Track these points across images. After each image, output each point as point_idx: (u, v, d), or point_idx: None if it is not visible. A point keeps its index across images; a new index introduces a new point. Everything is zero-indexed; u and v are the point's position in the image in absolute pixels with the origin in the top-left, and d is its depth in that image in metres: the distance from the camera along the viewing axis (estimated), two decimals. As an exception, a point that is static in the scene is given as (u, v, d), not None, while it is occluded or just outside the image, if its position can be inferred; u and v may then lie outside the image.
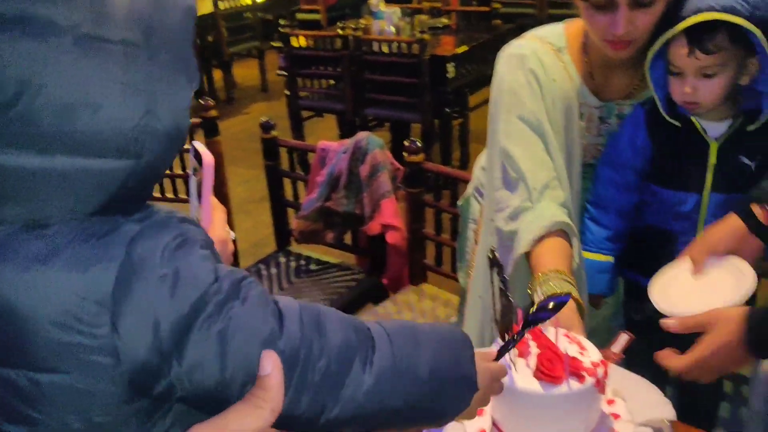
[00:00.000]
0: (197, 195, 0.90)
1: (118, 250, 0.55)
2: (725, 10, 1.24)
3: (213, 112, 2.67)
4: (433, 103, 4.18)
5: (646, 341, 1.67)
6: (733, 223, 1.26)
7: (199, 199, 0.90)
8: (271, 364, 0.56)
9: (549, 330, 1.08)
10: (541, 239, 1.32)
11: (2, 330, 0.54)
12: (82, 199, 0.55)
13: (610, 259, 1.53)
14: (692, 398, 1.75)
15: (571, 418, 1.01)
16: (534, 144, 1.43)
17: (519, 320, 1.09)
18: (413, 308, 2.41)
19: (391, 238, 2.51)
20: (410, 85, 4.13)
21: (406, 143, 2.36)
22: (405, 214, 2.50)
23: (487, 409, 1.11)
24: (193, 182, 0.92)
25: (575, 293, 1.21)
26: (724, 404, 1.99)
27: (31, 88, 0.50)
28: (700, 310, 1.15)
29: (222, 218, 0.97)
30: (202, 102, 2.69)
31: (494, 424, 1.07)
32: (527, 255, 1.35)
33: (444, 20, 5.15)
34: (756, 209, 1.25)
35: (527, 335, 1.07)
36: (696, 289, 1.26)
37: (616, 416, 1.09)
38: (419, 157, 2.36)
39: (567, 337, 1.09)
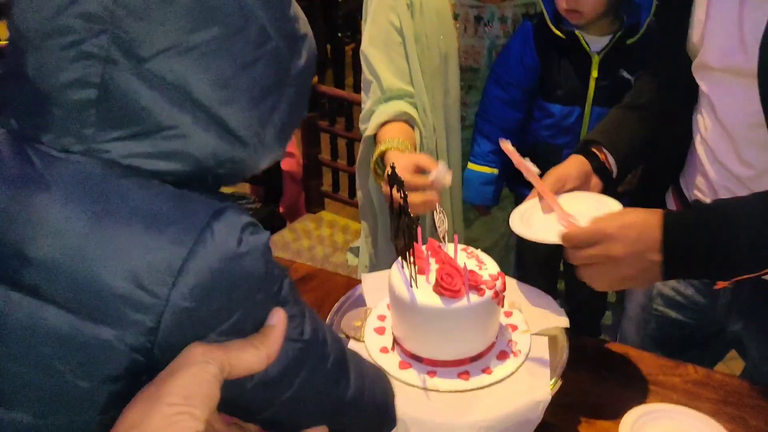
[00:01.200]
0: None
1: (201, 217, 0.57)
2: None
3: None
4: (325, 29, 4.06)
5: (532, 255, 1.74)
6: (577, 161, 1.25)
7: None
8: (276, 319, 0.61)
9: (448, 246, 1.08)
10: (386, 123, 1.43)
11: (69, 270, 0.54)
12: (177, 159, 0.59)
13: (494, 171, 1.57)
14: (578, 307, 1.85)
15: (472, 330, 1.02)
16: (394, 50, 1.46)
17: (419, 238, 1.08)
18: (311, 236, 2.37)
19: (286, 165, 2.45)
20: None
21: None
22: (300, 141, 2.44)
23: (388, 327, 1.11)
24: None
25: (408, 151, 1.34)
26: (607, 313, 2.11)
27: (175, 49, 0.57)
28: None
29: None
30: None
31: (395, 341, 1.07)
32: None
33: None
34: (596, 150, 1.26)
35: (426, 251, 1.06)
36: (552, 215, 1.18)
37: (514, 327, 1.12)
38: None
39: (465, 251, 1.09)
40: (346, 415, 0.75)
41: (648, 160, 1.34)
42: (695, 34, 1.13)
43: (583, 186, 1.23)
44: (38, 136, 0.58)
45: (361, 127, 1.53)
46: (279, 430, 0.70)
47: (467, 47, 1.53)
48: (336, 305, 1.17)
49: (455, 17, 1.50)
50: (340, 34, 4.21)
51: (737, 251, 0.95)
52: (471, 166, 1.59)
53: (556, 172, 1.22)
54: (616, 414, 1.09)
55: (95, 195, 0.56)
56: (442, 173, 1.17)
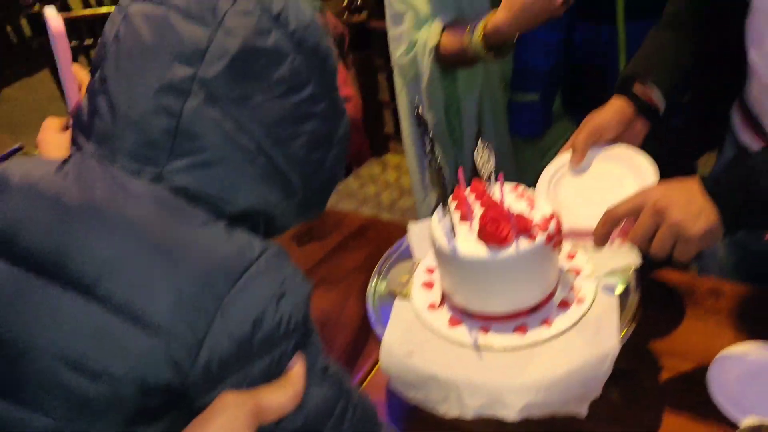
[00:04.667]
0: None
1: (249, 254, 0.59)
2: None
3: None
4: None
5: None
6: (618, 106, 1.09)
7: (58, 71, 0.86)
8: (297, 361, 0.61)
9: (494, 185, 0.96)
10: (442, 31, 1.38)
11: (126, 270, 0.56)
12: (251, 195, 0.64)
13: (535, 98, 1.46)
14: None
15: (524, 281, 0.91)
16: None
17: (461, 180, 0.97)
18: (377, 181, 2.29)
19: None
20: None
21: (344, 2, 2.15)
22: (356, 82, 2.33)
23: (437, 281, 1.01)
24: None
25: None
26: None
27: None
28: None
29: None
30: None
31: (444, 296, 0.98)
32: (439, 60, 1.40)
33: None
34: (639, 88, 1.09)
35: (470, 194, 0.95)
36: (593, 191, 1.07)
37: (578, 271, 1.00)
38: (362, 16, 2.15)
39: (515, 191, 0.98)
40: None
41: (703, 77, 1.15)
42: None
43: (625, 133, 1.08)
44: (115, 159, 0.61)
45: (397, 52, 1.48)
46: None
47: None
48: (381, 260, 1.09)
49: None
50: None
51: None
52: (513, 97, 1.48)
53: (593, 121, 1.08)
54: (704, 358, 0.97)
55: (162, 216, 0.59)
56: None
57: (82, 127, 0.65)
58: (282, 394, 0.59)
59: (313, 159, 0.67)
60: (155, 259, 0.56)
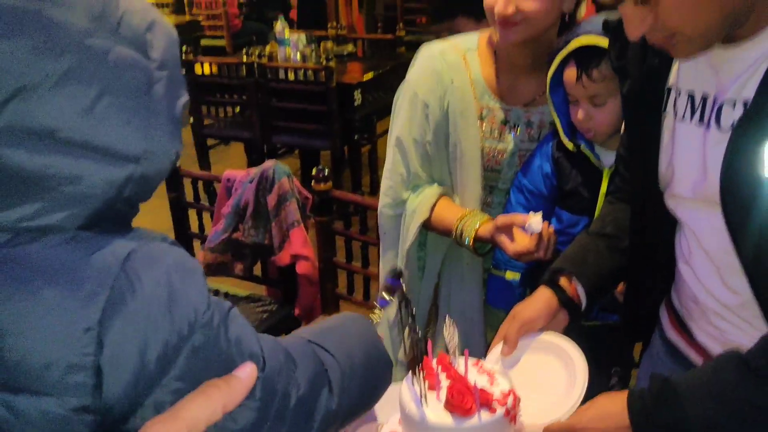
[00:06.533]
0: None
1: (112, 267, 0.55)
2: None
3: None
4: (342, 130, 4.18)
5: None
6: (545, 298, 1.25)
7: None
8: (246, 373, 0.58)
9: (459, 361, 1.08)
10: (433, 206, 1.56)
11: None
12: (75, 204, 0.56)
13: (516, 276, 1.58)
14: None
15: (484, 449, 1.00)
16: (422, 145, 1.57)
17: (429, 352, 1.08)
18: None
19: (301, 268, 2.47)
20: (318, 113, 4.12)
21: (313, 172, 2.34)
22: (315, 243, 2.47)
23: (400, 444, 1.09)
24: None
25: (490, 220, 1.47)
26: None
27: (27, 91, 0.53)
28: (541, 412, 1.11)
29: None
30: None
31: (407, 459, 1.06)
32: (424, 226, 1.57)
33: (350, 47, 5.18)
34: (564, 282, 1.27)
35: (437, 367, 1.06)
36: (526, 381, 1.15)
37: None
38: (327, 185, 2.34)
39: (476, 366, 1.09)
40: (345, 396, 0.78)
41: (635, 277, 1.32)
42: (663, 164, 1.12)
43: (550, 323, 1.25)
44: None
45: (385, 200, 1.65)
46: None
47: (491, 149, 1.57)
48: (347, 420, 1.16)
49: (481, 118, 1.55)
50: (356, 136, 4.33)
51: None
52: (494, 271, 1.60)
53: (523, 314, 1.24)
54: None
55: (2, 269, 0.54)
56: (535, 221, 1.34)
57: None
58: (205, 408, 0.55)
59: (139, 114, 0.60)
60: (11, 325, 0.53)
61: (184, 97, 0.66)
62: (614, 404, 1.04)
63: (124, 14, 0.61)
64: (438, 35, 1.77)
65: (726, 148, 0.95)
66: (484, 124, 1.56)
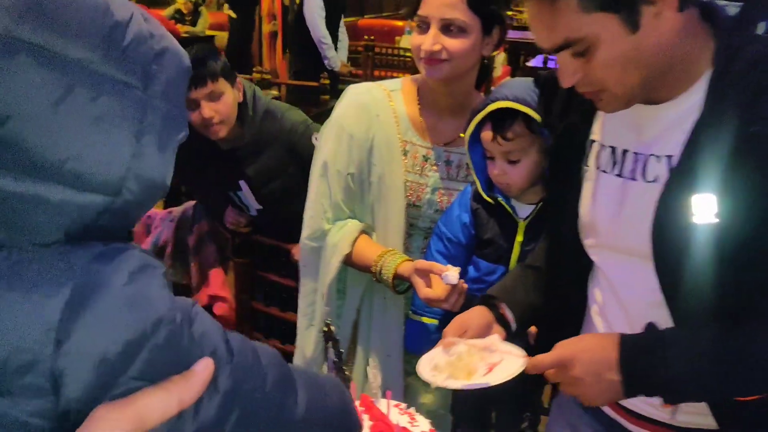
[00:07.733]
0: None
1: (74, 267, 0.55)
2: (516, 100, 1.41)
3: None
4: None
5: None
6: (481, 310, 1.32)
7: None
8: (203, 367, 0.58)
9: (381, 402, 1.11)
10: (354, 241, 1.60)
11: None
12: (50, 226, 0.55)
13: (434, 321, 1.62)
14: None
15: (403, 488, 1.03)
16: (345, 178, 1.62)
17: (353, 392, 1.11)
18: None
19: (219, 309, 2.44)
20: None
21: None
22: (234, 285, 2.46)
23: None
24: None
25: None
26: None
27: (17, 116, 0.52)
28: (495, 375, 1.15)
29: None
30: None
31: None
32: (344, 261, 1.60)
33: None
34: (498, 304, 1.34)
35: (359, 407, 1.09)
36: (466, 365, 1.19)
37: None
38: (247, 229, 2.35)
39: (398, 408, 1.13)
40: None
41: (547, 317, 1.38)
42: (585, 214, 1.18)
43: (485, 334, 1.28)
44: None
45: (306, 231, 1.67)
46: None
47: (413, 183, 1.64)
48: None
49: (404, 153, 1.62)
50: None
51: (680, 380, 1.02)
52: (412, 316, 1.64)
53: (459, 319, 1.29)
54: None
55: None
56: (452, 275, 1.38)
57: None
58: (161, 400, 0.55)
59: (123, 146, 0.58)
60: None
61: (183, 133, 0.65)
62: (603, 339, 1.07)
63: (131, 42, 0.59)
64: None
65: (658, 199, 1.03)
66: (407, 159, 1.63)
